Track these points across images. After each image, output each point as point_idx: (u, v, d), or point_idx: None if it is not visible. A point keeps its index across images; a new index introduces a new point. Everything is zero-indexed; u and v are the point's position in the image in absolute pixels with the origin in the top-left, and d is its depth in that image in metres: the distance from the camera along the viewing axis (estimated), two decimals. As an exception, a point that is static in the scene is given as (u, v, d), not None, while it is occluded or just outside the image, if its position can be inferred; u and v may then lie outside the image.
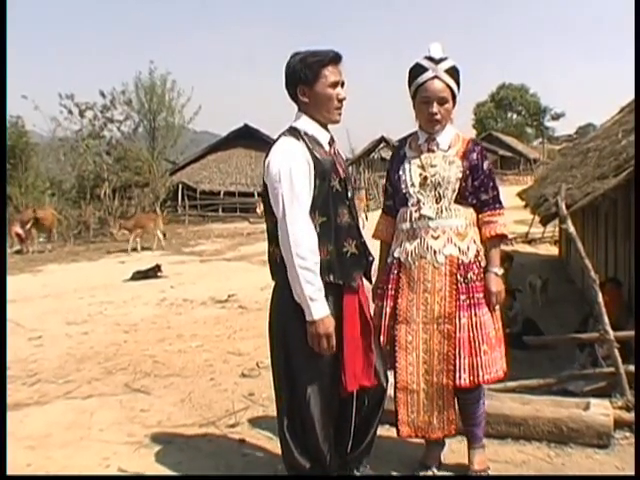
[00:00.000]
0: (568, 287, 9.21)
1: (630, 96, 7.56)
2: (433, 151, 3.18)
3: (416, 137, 3.26)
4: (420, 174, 3.16)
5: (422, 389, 3.12)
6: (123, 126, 27.68)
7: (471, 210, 3.17)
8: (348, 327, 2.85)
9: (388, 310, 3.20)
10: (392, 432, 3.83)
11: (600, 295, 4.06)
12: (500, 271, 3.19)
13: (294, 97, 2.92)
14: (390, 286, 3.21)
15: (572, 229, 4.21)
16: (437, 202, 3.12)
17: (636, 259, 5.08)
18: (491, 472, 3.27)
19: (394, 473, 3.37)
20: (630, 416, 3.77)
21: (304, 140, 2.82)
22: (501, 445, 3.56)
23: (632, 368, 4.00)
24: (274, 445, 3.73)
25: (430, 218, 3.11)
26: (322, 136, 2.90)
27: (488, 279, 3.14)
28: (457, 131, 3.26)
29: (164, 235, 17.83)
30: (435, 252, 3.10)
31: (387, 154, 36.50)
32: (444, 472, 3.32)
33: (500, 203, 3.24)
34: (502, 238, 3.24)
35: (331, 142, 2.95)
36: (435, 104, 3.09)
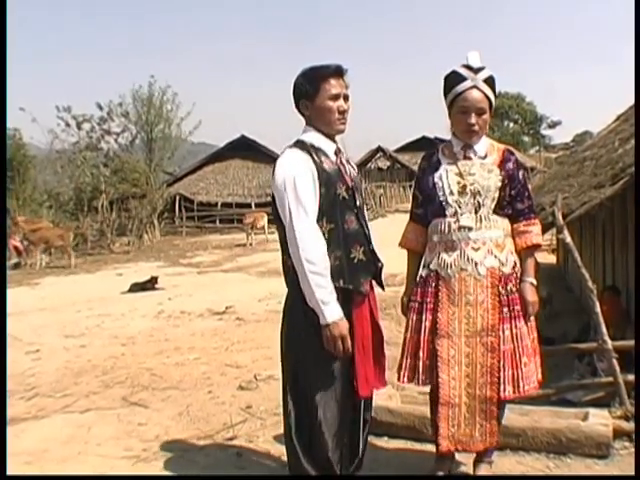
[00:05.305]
0: (566, 296, 9.19)
1: (625, 104, 7.58)
2: (470, 159, 3.11)
3: (450, 145, 3.19)
4: (458, 182, 3.07)
5: (464, 402, 3.06)
6: (120, 138, 27.71)
7: (507, 220, 3.12)
8: (358, 332, 2.86)
9: (427, 324, 3.11)
10: (390, 444, 3.85)
11: (598, 305, 4.06)
12: (535, 281, 3.14)
13: (300, 111, 2.97)
14: (428, 299, 3.13)
15: (569, 239, 4.20)
16: (476, 212, 3.05)
17: (636, 268, 5.08)
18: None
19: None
20: (629, 426, 3.75)
21: (309, 151, 2.86)
22: (500, 456, 3.53)
23: (631, 377, 3.99)
24: (272, 458, 3.72)
25: (470, 229, 3.04)
26: (328, 147, 2.94)
27: (524, 289, 3.09)
28: (491, 140, 3.22)
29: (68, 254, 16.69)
30: (476, 264, 3.04)
31: (384, 164, 36.52)
32: None
33: (534, 212, 3.22)
34: (537, 247, 3.20)
35: (337, 152, 2.97)
36: (473, 115, 3.03)
